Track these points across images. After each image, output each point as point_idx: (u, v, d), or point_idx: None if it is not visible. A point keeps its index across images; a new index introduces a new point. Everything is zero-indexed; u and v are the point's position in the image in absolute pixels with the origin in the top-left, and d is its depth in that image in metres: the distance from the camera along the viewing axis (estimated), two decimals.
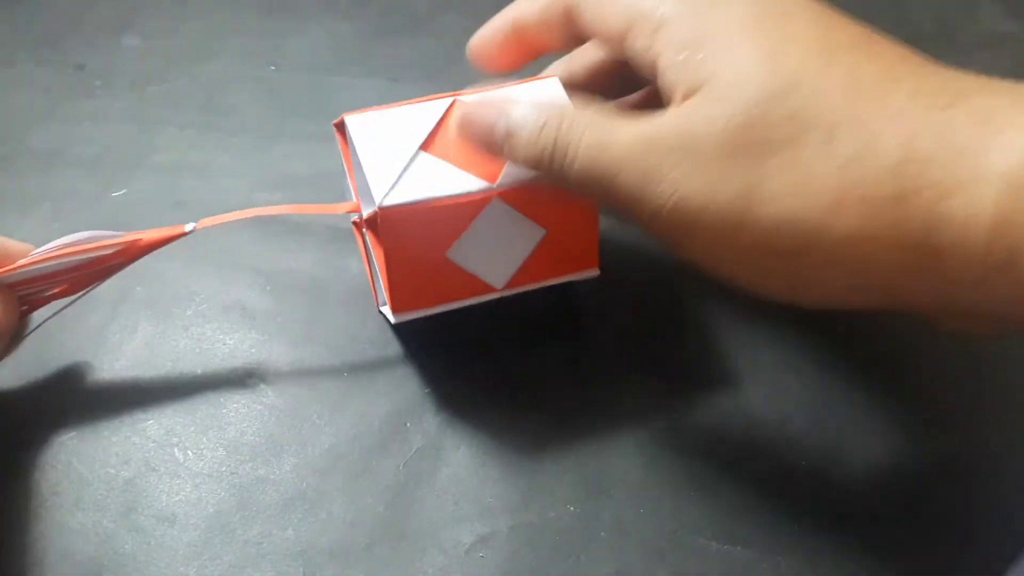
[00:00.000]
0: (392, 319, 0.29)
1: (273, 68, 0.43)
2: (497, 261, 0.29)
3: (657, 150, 0.24)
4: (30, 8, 0.46)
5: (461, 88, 0.32)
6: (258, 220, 0.36)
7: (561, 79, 0.31)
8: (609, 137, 0.25)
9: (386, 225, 0.27)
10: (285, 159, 0.39)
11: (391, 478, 0.29)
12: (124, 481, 0.28)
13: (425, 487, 0.28)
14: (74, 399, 0.30)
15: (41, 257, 0.28)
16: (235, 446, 0.29)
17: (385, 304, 0.33)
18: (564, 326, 0.33)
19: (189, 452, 0.29)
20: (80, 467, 0.29)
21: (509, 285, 0.30)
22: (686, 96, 0.24)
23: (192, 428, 0.30)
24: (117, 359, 0.31)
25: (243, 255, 0.35)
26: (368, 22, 0.46)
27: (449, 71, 0.43)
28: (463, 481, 0.29)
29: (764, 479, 0.29)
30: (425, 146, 0.28)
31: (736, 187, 0.23)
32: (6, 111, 0.40)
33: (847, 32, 0.24)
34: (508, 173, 0.28)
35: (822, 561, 0.27)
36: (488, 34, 0.31)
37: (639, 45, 0.26)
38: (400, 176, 0.27)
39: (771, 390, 0.31)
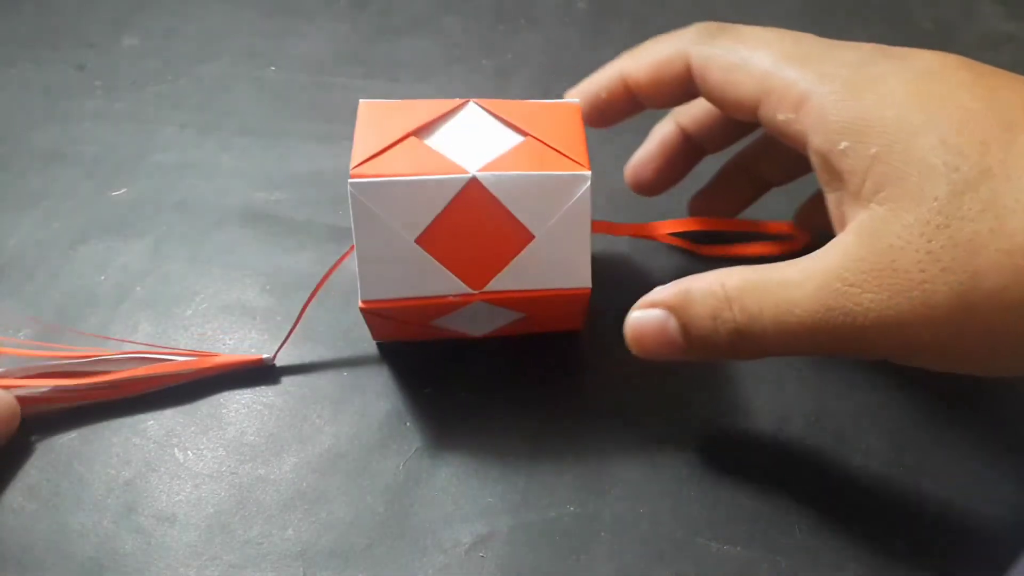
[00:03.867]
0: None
1: (273, 68, 0.43)
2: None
3: (840, 289, 0.23)
4: (30, 8, 0.46)
5: (461, 88, 0.32)
6: (258, 220, 0.36)
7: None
8: (788, 297, 0.23)
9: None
10: (285, 159, 0.39)
11: (391, 478, 0.29)
12: (124, 481, 0.28)
13: (425, 487, 0.28)
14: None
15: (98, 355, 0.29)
16: (235, 446, 0.29)
17: None
18: None
19: (189, 452, 0.29)
20: (80, 467, 0.29)
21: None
22: (866, 198, 0.23)
23: (192, 428, 0.30)
24: None
25: (243, 255, 0.35)
26: (368, 22, 0.46)
27: (449, 71, 0.43)
28: (463, 481, 0.29)
29: (764, 479, 0.29)
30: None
31: (949, 289, 0.21)
32: (6, 111, 0.40)
33: (1013, 90, 0.23)
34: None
35: (822, 561, 0.27)
36: (592, 90, 0.30)
37: (780, 117, 0.25)
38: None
39: (771, 390, 0.31)
